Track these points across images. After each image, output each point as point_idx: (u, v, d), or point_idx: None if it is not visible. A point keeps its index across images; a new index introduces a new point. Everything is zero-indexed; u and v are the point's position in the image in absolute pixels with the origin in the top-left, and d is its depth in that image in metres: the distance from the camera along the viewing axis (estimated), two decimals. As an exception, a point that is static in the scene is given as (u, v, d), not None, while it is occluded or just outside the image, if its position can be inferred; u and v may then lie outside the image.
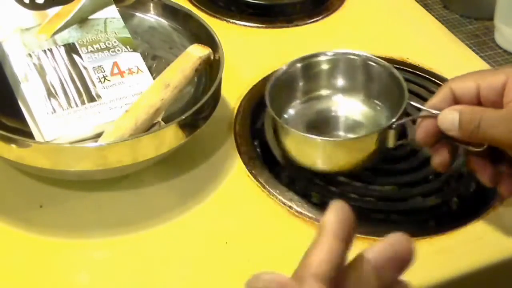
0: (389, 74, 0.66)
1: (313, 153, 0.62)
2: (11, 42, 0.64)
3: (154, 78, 0.67)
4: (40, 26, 0.65)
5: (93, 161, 0.56)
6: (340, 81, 0.69)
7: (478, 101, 0.57)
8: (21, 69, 0.63)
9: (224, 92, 0.66)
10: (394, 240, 0.40)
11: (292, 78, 0.68)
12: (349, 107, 0.69)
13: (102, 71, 0.66)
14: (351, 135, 0.67)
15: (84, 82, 0.65)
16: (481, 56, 0.86)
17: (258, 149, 0.68)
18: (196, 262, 0.57)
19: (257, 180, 0.64)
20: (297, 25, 0.87)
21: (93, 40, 0.67)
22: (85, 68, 0.65)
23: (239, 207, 0.63)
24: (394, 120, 0.60)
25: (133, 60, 0.68)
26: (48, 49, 0.65)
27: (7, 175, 0.63)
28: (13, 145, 0.56)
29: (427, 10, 0.94)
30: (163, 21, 0.72)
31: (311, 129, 0.62)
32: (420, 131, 0.58)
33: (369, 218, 0.62)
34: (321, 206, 0.62)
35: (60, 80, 0.64)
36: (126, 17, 0.70)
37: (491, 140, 0.55)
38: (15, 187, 0.63)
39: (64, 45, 0.65)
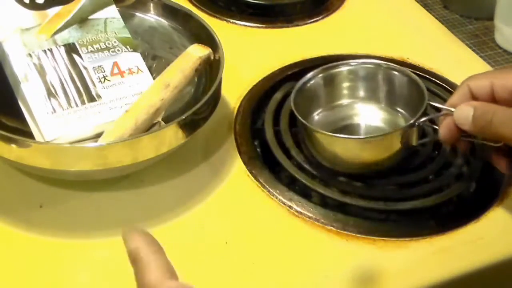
0: (408, 79, 0.67)
1: (342, 152, 0.63)
2: (11, 42, 0.64)
3: (154, 78, 0.67)
4: (40, 26, 0.65)
5: (93, 161, 0.56)
6: (361, 90, 0.71)
7: (493, 99, 0.59)
8: (21, 69, 0.63)
9: (224, 92, 0.66)
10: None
11: (315, 87, 0.69)
12: (370, 115, 0.70)
13: (102, 71, 0.66)
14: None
15: (84, 82, 0.65)
16: (481, 56, 0.86)
17: (258, 149, 0.68)
18: (196, 262, 0.57)
19: (257, 180, 0.64)
20: (297, 25, 0.88)
21: (93, 40, 0.67)
22: (85, 68, 0.65)
23: (239, 207, 0.63)
24: (416, 118, 0.62)
25: (133, 60, 0.68)
26: (48, 49, 0.65)
27: (7, 175, 0.63)
28: (13, 145, 0.56)
29: (427, 10, 0.94)
30: (163, 21, 0.72)
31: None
32: (443, 129, 0.60)
33: (369, 218, 0.62)
34: (321, 206, 0.62)
35: (60, 80, 0.64)
36: (126, 17, 0.70)
37: (501, 136, 0.57)
38: (15, 187, 0.63)
39: (64, 45, 0.65)
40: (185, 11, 0.71)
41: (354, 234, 0.60)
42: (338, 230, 0.60)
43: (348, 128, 0.70)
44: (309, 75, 0.69)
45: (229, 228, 0.60)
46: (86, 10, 0.67)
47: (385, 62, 0.70)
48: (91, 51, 0.66)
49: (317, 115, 0.70)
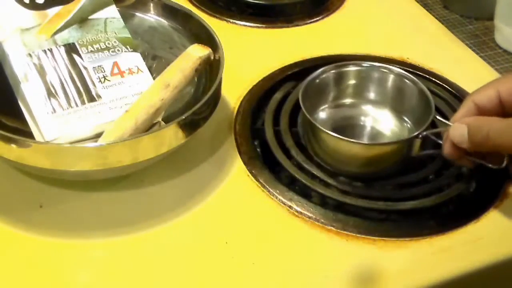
0: (418, 90, 0.68)
1: (342, 153, 0.63)
2: (11, 42, 0.64)
3: (154, 78, 0.67)
4: (40, 26, 0.65)
5: (93, 161, 0.56)
6: (370, 92, 0.71)
7: (501, 107, 0.58)
8: (21, 69, 0.63)
9: (224, 92, 0.66)
10: None
11: (325, 83, 0.69)
12: (376, 118, 0.71)
13: (102, 71, 0.66)
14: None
15: (84, 82, 0.65)
16: (481, 56, 0.86)
17: (258, 149, 0.68)
18: (196, 262, 0.57)
19: (257, 180, 0.64)
20: (297, 25, 0.88)
21: (93, 40, 0.67)
22: (85, 68, 0.65)
23: (239, 207, 0.63)
24: (421, 130, 0.62)
25: (133, 60, 0.68)
26: (48, 49, 0.65)
27: (7, 175, 0.63)
28: (13, 145, 0.56)
29: (427, 10, 0.94)
30: (163, 21, 0.72)
31: (338, 133, 0.63)
32: (447, 145, 0.60)
33: (369, 218, 0.62)
34: (321, 206, 0.62)
35: (60, 80, 0.64)
36: (126, 17, 0.70)
37: (501, 147, 0.57)
38: (15, 187, 0.63)
39: (64, 45, 0.65)
40: (185, 11, 0.71)
41: (354, 234, 0.60)
42: (338, 230, 0.60)
43: (351, 129, 0.70)
44: (320, 70, 0.69)
45: (229, 228, 0.60)
46: (86, 10, 0.67)
47: (399, 69, 0.70)
48: (91, 51, 0.66)
49: (322, 111, 0.70)
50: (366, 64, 0.71)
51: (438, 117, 0.63)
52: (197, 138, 0.64)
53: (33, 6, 0.66)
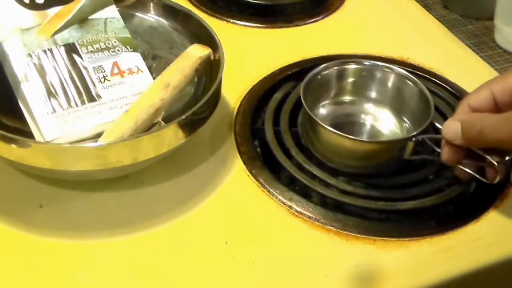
0: (419, 92, 0.68)
1: (335, 146, 0.64)
2: (11, 42, 0.64)
3: (154, 78, 0.67)
4: (40, 26, 0.65)
5: (93, 161, 0.56)
6: (371, 91, 0.71)
7: (496, 108, 0.59)
8: (21, 69, 0.63)
9: (224, 92, 0.66)
10: None
11: (326, 80, 0.70)
12: (376, 117, 0.71)
13: (102, 71, 0.66)
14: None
15: (84, 82, 0.65)
16: (481, 56, 0.86)
17: (258, 149, 0.68)
18: (196, 262, 0.57)
19: (257, 180, 0.64)
20: (297, 25, 0.88)
21: (93, 40, 0.67)
22: (85, 68, 0.65)
23: (239, 207, 0.63)
24: (415, 133, 0.62)
25: (133, 60, 0.68)
26: (48, 49, 0.65)
27: (7, 175, 0.63)
28: (13, 145, 0.56)
29: (427, 10, 0.94)
30: (163, 21, 0.72)
31: (337, 129, 0.63)
32: (445, 151, 0.60)
33: (369, 218, 0.62)
34: (321, 206, 0.62)
35: (60, 80, 0.64)
36: (126, 17, 0.70)
37: (495, 142, 0.57)
38: (15, 187, 0.63)
39: (64, 45, 0.65)
40: (185, 11, 0.71)
41: (354, 234, 0.60)
42: (338, 230, 0.60)
43: (351, 126, 0.70)
44: (323, 66, 0.69)
45: (229, 228, 0.60)
46: (86, 10, 0.67)
47: (402, 70, 0.70)
48: (91, 51, 0.66)
49: (322, 107, 0.71)
50: (368, 62, 0.71)
51: (437, 124, 0.62)
52: (197, 138, 0.64)
53: (33, 6, 0.66)
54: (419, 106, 0.67)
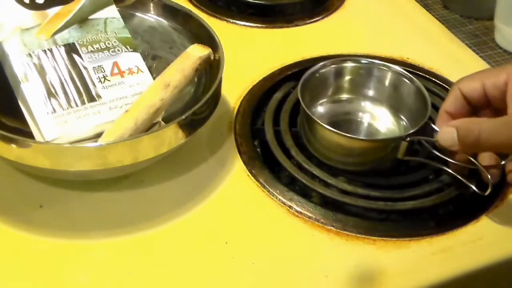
0: (416, 90, 0.68)
1: (333, 145, 0.64)
2: (11, 42, 0.64)
3: (154, 78, 0.67)
4: (40, 26, 0.65)
5: (93, 161, 0.56)
6: (369, 89, 0.71)
7: (486, 99, 0.59)
8: (21, 69, 0.63)
9: (224, 92, 0.66)
10: None
11: (324, 78, 0.70)
12: (374, 116, 0.71)
13: (102, 71, 0.66)
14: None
15: (84, 82, 0.65)
16: (481, 56, 0.86)
17: (258, 149, 0.68)
18: (196, 262, 0.57)
19: (257, 180, 0.64)
20: (297, 25, 0.88)
21: (93, 40, 0.67)
22: (85, 68, 0.65)
23: (239, 207, 0.63)
24: (408, 133, 0.62)
25: (133, 60, 0.68)
26: (48, 49, 0.65)
27: (7, 175, 0.63)
28: (13, 145, 0.56)
29: (427, 10, 0.94)
30: (163, 21, 0.72)
31: (335, 127, 0.63)
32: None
33: (369, 218, 0.62)
34: (321, 206, 0.62)
35: (60, 80, 0.64)
36: (126, 17, 0.70)
37: (494, 147, 0.57)
38: (15, 187, 0.63)
39: (64, 45, 0.65)
40: (185, 11, 0.71)
41: (354, 234, 0.60)
42: (338, 230, 0.60)
43: (349, 124, 0.70)
44: (320, 64, 0.69)
45: (229, 228, 0.60)
46: (86, 10, 0.67)
47: (399, 68, 0.70)
48: (91, 51, 0.66)
49: (320, 105, 0.71)
50: (365, 60, 0.71)
51: (434, 126, 0.62)
52: (197, 138, 0.64)
53: (33, 6, 0.66)
54: (416, 105, 0.67)
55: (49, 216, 0.60)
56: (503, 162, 0.61)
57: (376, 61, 0.71)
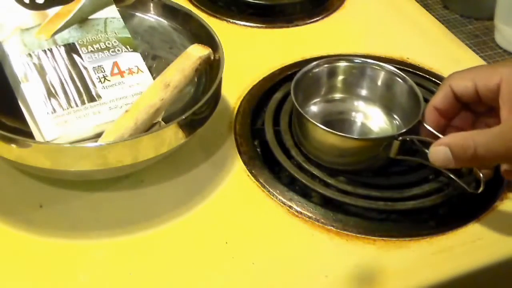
0: (409, 89, 0.68)
1: (324, 144, 0.64)
2: (11, 42, 0.64)
3: (154, 78, 0.67)
4: (40, 26, 0.65)
5: (93, 161, 0.56)
6: (362, 88, 0.71)
7: (477, 97, 0.59)
8: (21, 69, 0.63)
9: (224, 92, 0.66)
10: None
11: (317, 77, 0.70)
12: (366, 114, 0.71)
13: (102, 71, 0.66)
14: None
15: (84, 82, 0.65)
16: (481, 56, 0.86)
17: (258, 149, 0.68)
18: (196, 262, 0.57)
19: (257, 180, 0.64)
20: (297, 25, 0.88)
21: (93, 40, 0.67)
22: (85, 68, 0.65)
23: (239, 207, 0.63)
24: (400, 132, 0.62)
25: (133, 60, 0.68)
26: (48, 49, 0.65)
27: (7, 175, 0.63)
28: (13, 145, 0.56)
29: (427, 10, 0.94)
30: (163, 21, 0.72)
31: (328, 127, 0.63)
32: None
33: (369, 218, 0.62)
34: (321, 206, 0.62)
35: (60, 80, 0.64)
36: (126, 17, 0.70)
37: (492, 161, 0.57)
38: (15, 187, 0.63)
39: (64, 45, 0.65)
40: (185, 11, 0.71)
41: (354, 234, 0.60)
42: (338, 230, 0.60)
43: (342, 123, 0.70)
44: (314, 64, 0.69)
45: (229, 228, 0.60)
46: (86, 10, 0.67)
47: (392, 67, 0.70)
48: (91, 51, 0.66)
49: (313, 105, 0.71)
50: (358, 60, 0.71)
51: (426, 125, 0.61)
52: (197, 138, 0.64)
53: (33, 6, 0.66)
54: (409, 104, 0.67)
55: (49, 216, 0.60)
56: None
57: (369, 61, 0.71)
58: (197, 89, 0.68)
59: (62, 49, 0.65)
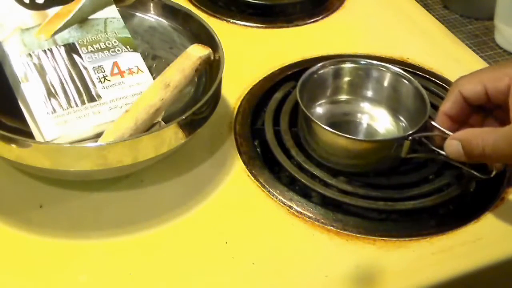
0: (415, 90, 0.68)
1: (330, 145, 0.64)
2: (11, 42, 0.64)
3: (154, 78, 0.67)
4: (40, 26, 0.65)
5: (93, 161, 0.56)
6: (368, 90, 0.71)
7: (487, 99, 0.59)
8: (21, 69, 0.63)
9: (224, 92, 0.66)
10: None
11: (323, 78, 0.70)
12: (373, 117, 0.71)
13: (102, 71, 0.66)
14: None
15: (84, 82, 0.65)
16: (481, 56, 0.86)
17: (258, 149, 0.68)
18: (196, 262, 0.57)
19: (257, 180, 0.64)
20: (297, 25, 0.88)
21: (93, 40, 0.67)
22: (85, 68, 0.65)
23: (239, 207, 0.63)
24: (411, 132, 0.62)
25: (133, 60, 0.68)
26: (48, 49, 0.65)
27: (7, 175, 0.63)
28: (13, 145, 0.56)
29: (427, 10, 0.94)
30: (163, 21, 0.72)
31: (334, 128, 0.63)
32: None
33: (369, 218, 0.62)
34: (321, 206, 0.62)
35: (60, 80, 0.64)
36: (126, 17, 0.70)
37: (499, 160, 0.58)
38: (15, 187, 0.63)
39: (64, 45, 0.65)
40: (185, 11, 0.71)
41: (354, 234, 0.60)
42: (338, 230, 0.60)
43: (347, 125, 0.70)
44: (319, 65, 0.69)
45: (229, 228, 0.60)
46: (86, 10, 0.67)
47: (398, 68, 0.70)
48: (91, 51, 0.66)
49: (319, 106, 0.71)
50: (363, 61, 0.71)
51: (433, 122, 0.62)
52: (197, 138, 0.64)
53: (33, 6, 0.66)
54: (415, 105, 0.67)
55: (49, 216, 0.60)
56: None
57: (375, 62, 0.71)
58: (197, 89, 0.68)
59: (62, 49, 0.65)
